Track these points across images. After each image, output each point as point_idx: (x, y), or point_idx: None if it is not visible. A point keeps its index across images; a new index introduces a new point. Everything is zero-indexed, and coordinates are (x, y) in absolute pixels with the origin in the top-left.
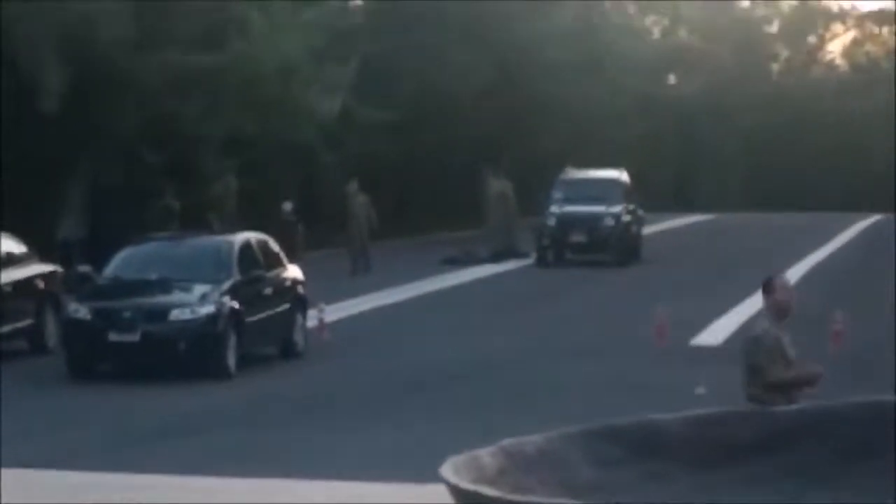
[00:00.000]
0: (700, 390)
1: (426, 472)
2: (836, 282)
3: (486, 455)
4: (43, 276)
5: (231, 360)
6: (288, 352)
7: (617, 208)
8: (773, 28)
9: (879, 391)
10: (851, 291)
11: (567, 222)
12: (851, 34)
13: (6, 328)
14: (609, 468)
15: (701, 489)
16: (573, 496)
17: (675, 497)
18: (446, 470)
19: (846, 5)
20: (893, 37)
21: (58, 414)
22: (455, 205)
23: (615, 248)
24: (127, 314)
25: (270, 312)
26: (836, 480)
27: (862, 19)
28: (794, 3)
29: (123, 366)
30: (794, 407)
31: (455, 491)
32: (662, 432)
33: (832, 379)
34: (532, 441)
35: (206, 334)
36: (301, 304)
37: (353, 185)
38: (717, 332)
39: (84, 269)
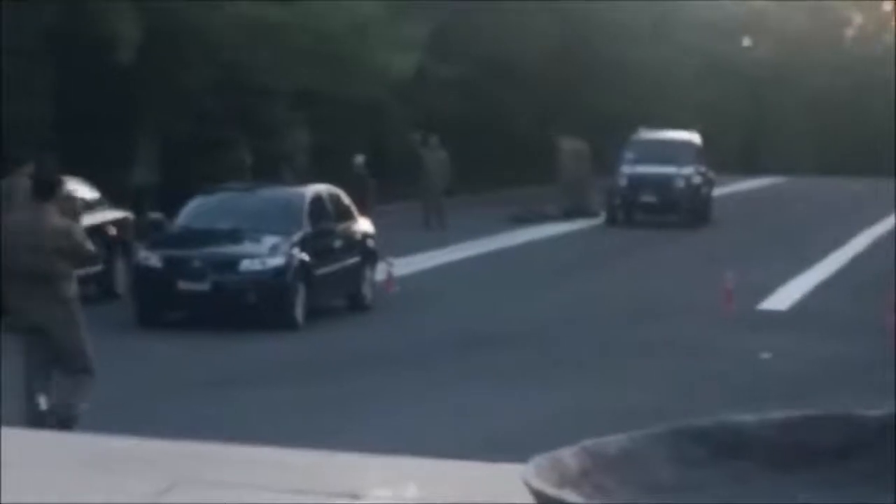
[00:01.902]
0: (765, 355)
1: (487, 434)
2: None
3: (569, 455)
4: (114, 222)
5: (299, 312)
6: (356, 305)
7: (688, 170)
8: None
9: None
10: None
11: (638, 183)
12: None
13: (77, 273)
14: (691, 469)
15: (780, 492)
16: (654, 497)
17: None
18: (529, 473)
19: None
20: None
21: (124, 360)
22: (527, 162)
23: (685, 210)
24: (197, 263)
25: (339, 265)
26: None
27: None
28: None
29: (192, 314)
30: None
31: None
32: (745, 434)
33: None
34: (615, 441)
35: (275, 286)
36: (370, 258)
37: (432, 141)
38: (784, 298)
39: (155, 216)
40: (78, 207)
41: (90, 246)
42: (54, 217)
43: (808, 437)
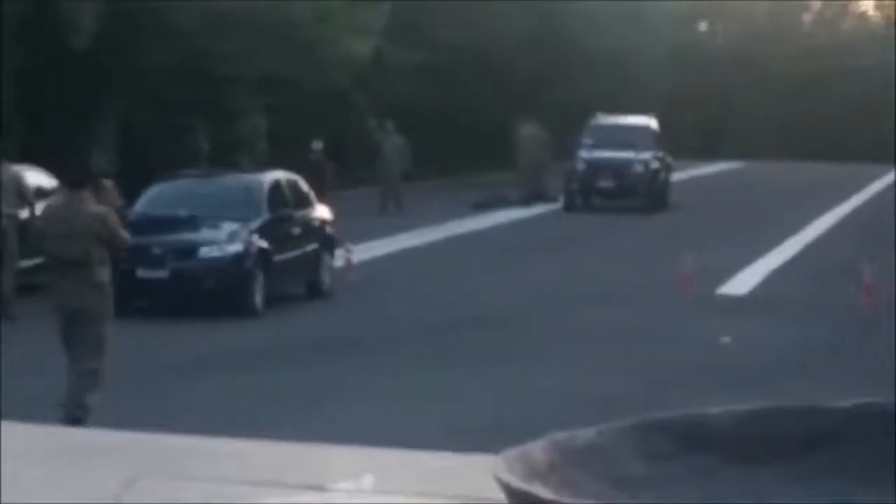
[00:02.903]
0: (725, 339)
1: (447, 418)
2: (866, 234)
3: (538, 449)
4: None
5: (258, 299)
6: (314, 291)
7: (646, 155)
8: None
9: None
10: (881, 244)
11: (596, 167)
12: None
13: (35, 261)
14: (658, 462)
15: (746, 485)
16: (622, 490)
17: (721, 492)
18: (499, 466)
19: None
20: None
21: None
22: (487, 148)
23: (643, 195)
24: (156, 250)
25: (298, 252)
26: (884, 481)
27: None
28: None
29: (151, 302)
30: (844, 404)
31: (507, 489)
32: (711, 426)
33: (863, 333)
34: (583, 435)
35: (234, 273)
36: (329, 244)
37: (388, 126)
38: (743, 282)
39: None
40: (116, 198)
41: (125, 233)
42: (90, 204)
43: (773, 428)
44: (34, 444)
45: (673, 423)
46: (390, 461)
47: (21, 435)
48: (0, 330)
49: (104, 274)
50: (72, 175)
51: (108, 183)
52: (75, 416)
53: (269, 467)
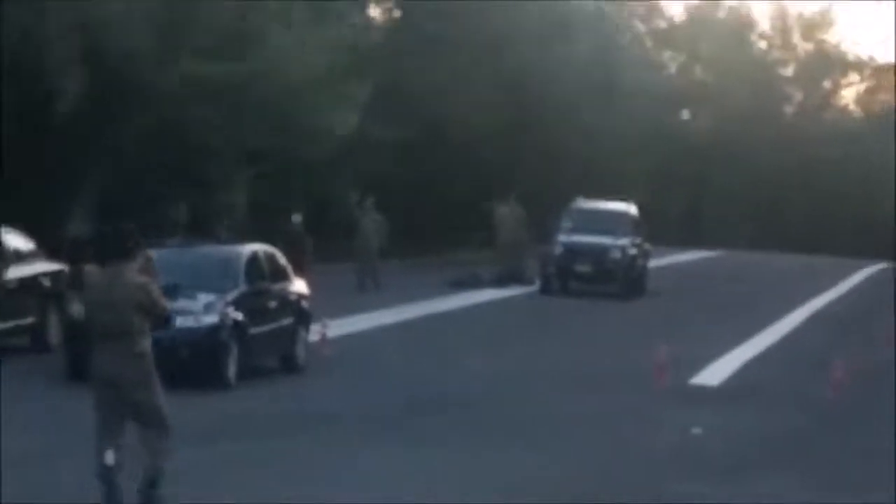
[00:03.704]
0: (696, 430)
1: (413, 499)
2: (839, 328)
3: None
4: (48, 274)
5: (231, 371)
6: (289, 366)
7: (624, 240)
8: (789, 71)
9: (876, 442)
10: (853, 338)
11: (573, 252)
12: (866, 83)
13: (9, 324)
14: None
15: None
16: None
17: None
18: None
19: (862, 54)
20: None
21: (55, 413)
22: (465, 227)
23: (620, 281)
24: None
25: (273, 325)
26: None
27: (878, 70)
28: (810, 48)
29: None
30: None
31: None
32: None
33: (831, 428)
34: None
35: (208, 344)
36: (304, 319)
37: (367, 202)
38: (716, 373)
39: (90, 268)
40: (153, 268)
41: (166, 304)
42: (133, 274)
43: None
44: None
45: None
46: None
47: None
48: None
49: (145, 344)
50: (114, 244)
51: (151, 253)
52: (153, 482)
53: None
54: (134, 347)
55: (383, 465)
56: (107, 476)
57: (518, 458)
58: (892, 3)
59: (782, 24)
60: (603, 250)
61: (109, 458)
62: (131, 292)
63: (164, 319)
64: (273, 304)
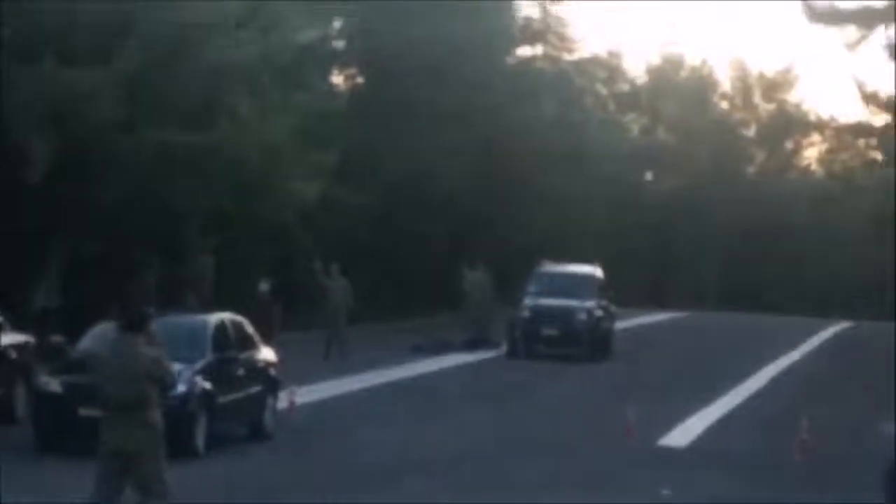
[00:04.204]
0: (665, 492)
1: None
2: (804, 388)
3: None
4: (15, 346)
5: (200, 441)
6: (257, 433)
7: (590, 303)
8: (751, 132)
9: (840, 501)
10: (818, 399)
11: (540, 315)
12: (828, 143)
13: None
14: None
15: None
16: None
17: None
18: None
19: (824, 115)
20: (868, 149)
21: (20, 489)
22: (432, 291)
23: (587, 343)
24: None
25: (242, 394)
26: None
27: (839, 130)
28: (772, 109)
29: (93, 441)
30: None
31: None
32: None
33: (796, 487)
34: None
35: (177, 413)
36: (272, 386)
37: (333, 269)
38: (684, 433)
39: (57, 339)
40: (155, 338)
41: (172, 372)
42: (144, 346)
43: None
44: None
45: None
46: None
47: None
48: None
49: (157, 415)
50: (130, 317)
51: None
52: None
53: None
54: (147, 419)
55: None
56: None
57: None
58: (853, 61)
59: (743, 85)
60: (569, 313)
61: None
62: (146, 364)
63: (168, 386)
64: (241, 372)
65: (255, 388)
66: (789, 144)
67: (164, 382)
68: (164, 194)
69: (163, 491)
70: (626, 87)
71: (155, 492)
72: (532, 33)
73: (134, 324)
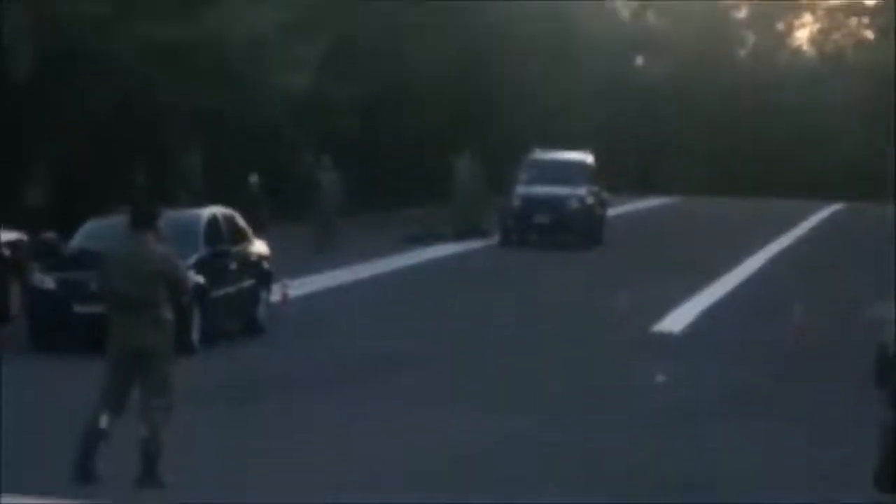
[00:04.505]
0: (659, 378)
1: (377, 457)
2: (798, 273)
3: None
4: (8, 243)
5: (195, 335)
6: (251, 327)
7: (581, 190)
8: (742, 14)
9: (833, 387)
10: (813, 283)
11: (531, 203)
12: (819, 23)
13: None
14: None
15: None
16: None
17: None
18: None
19: None
20: (860, 28)
21: (16, 386)
22: (422, 183)
23: (579, 231)
24: (93, 286)
25: (235, 288)
26: None
27: (831, 10)
28: None
29: (87, 338)
30: None
31: None
32: None
33: (790, 373)
34: None
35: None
36: (265, 280)
37: (324, 161)
38: (677, 320)
39: (49, 236)
40: (163, 235)
41: (186, 275)
42: (154, 244)
43: None
44: None
45: None
46: None
47: None
48: None
49: (169, 313)
50: (138, 214)
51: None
52: (151, 451)
53: None
54: (158, 317)
55: (346, 422)
56: (94, 438)
57: (482, 412)
58: None
59: None
60: (561, 201)
61: (104, 421)
62: (156, 262)
63: (182, 290)
64: (234, 265)
65: (248, 282)
66: (780, 26)
67: (179, 286)
68: (148, 92)
69: (167, 393)
70: None
71: (160, 393)
72: None
73: (143, 220)
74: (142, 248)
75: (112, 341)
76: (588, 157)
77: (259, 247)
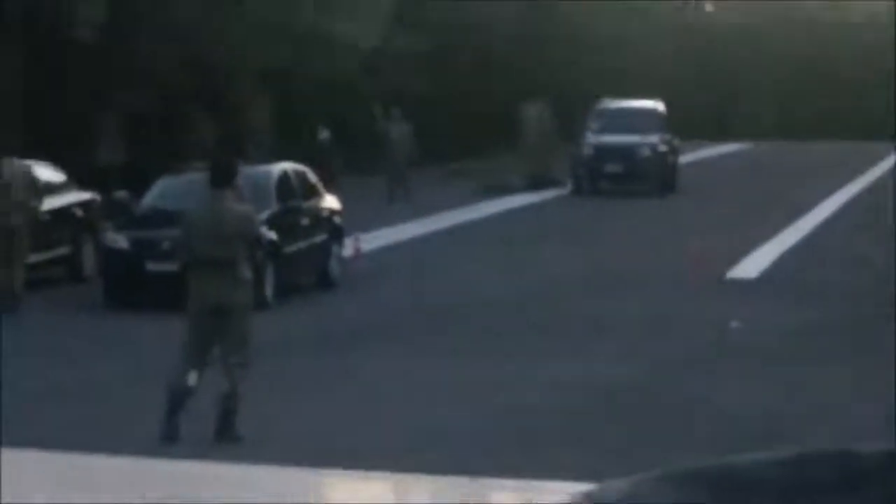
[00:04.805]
0: (735, 324)
1: (453, 412)
2: (872, 215)
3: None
4: (81, 203)
5: (269, 291)
6: (324, 282)
7: (653, 138)
8: None
9: None
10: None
11: (603, 152)
12: None
13: (44, 256)
14: None
15: None
16: None
17: None
18: None
19: None
20: None
21: (93, 343)
22: (492, 133)
23: (651, 179)
24: (165, 245)
25: (307, 243)
26: None
27: None
28: None
29: (160, 296)
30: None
31: None
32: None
33: (876, 317)
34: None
35: None
36: (338, 234)
37: (394, 113)
38: (752, 265)
39: (122, 195)
40: (241, 192)
41: (261, 230)
42: (233, 202)
43: (806, 474)
44: (39, 470)
45: (706, 473)
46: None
47: (26, 462)
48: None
49: (248, 271)
50: (216, 173)
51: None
52: (230, 407)
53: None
54: (239, 274)
55: (425, 376)
56: (181, 395)
57: (556, 363)
58: None
59: None
60: (632, 149)
61: (192, 378)
62: (236, 222)
63: (269, 247)
64: (305, 221)
65: (321, 237)
66: None
67: (252, 240)
68: (215, 48)
69: (246, 350)
70: None
71: (238, 350)
72: None
73: (222, 178)
74: (221, 206)
75: (192, 299)
76: (659, 105)
77: (330, 201)
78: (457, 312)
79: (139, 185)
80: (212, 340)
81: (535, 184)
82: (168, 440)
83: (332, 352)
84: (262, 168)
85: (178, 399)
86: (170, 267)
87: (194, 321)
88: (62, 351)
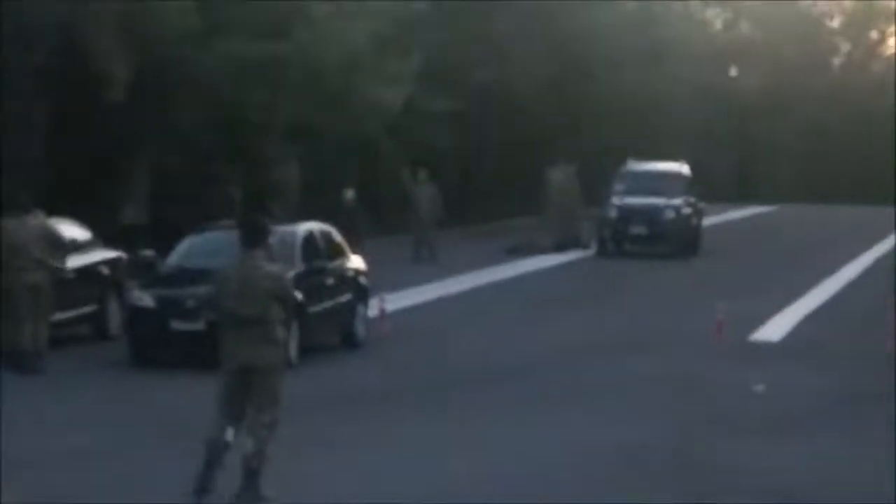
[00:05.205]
0: (759, 388)
1: (477, 473)
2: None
3: None
4: (107, 262)
5: (293, 351)
6: (349, 342)
7: (677, 201)
8: (835, 23)
9: None
10: None
11: (628, 214)
12: None
13: (70, 314)
14: None
15: None
16: None
17: None
18: None
19: None
20: None
21: (117, 402)
22: (517, 194)
23: (675, 241)
24: (190, 303)
25: (332, 303)
26: None
27: None
28: (856, 0)
29: (185, 354)
30: None
31: None
32: None
33: (891, 378)
34: None
35: None
36: (363, 295)
37: (421, 175)
38: (775, 328)
39: (147, 253)
40: (273, 252)
41: (294, 294)
42: (265, 262)
43: None
44: None
45: None
46: None
47: None
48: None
49: (281, 331)
50: (248, 232)
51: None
52: (254, 466)
53: None
54: (271, 335)
55: (449, 439)
56: (218, 450)
57: (583, 424)
58: None
59: None
60: (657, 211)
61: (230, 434)
62: (269, 281)
63: (296, 308)
64: (330, 281)
65: (346, 297)
66: (874, 34)
67: (287, 301)
68: (242, 107)
69: (275, 409)
70: None
71: (268, 409)
72: None
73: (254, 238)
74: (254, 266)
75: (225, 358)
76: (683, 168)
77: (356, 262)
78: (481, 375)
79: (165, 244)
80: (245, 397)
81: (561, 245)
82: (202, 492)
83: (356, 414)
84: (288, 228)
85: (215, 454)
86: (195, 326)
87: (227, 378)
88: (88, 410)
